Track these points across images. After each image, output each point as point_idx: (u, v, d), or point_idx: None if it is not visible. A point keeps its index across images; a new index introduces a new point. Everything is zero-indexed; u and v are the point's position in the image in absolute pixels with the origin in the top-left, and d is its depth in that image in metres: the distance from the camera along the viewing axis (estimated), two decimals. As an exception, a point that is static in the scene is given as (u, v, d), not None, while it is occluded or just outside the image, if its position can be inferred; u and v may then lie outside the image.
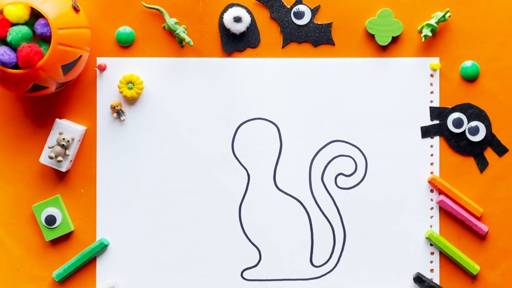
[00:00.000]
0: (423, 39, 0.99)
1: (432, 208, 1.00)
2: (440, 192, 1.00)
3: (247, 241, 1.00)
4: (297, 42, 1.00)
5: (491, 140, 1.00)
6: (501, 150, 1.01)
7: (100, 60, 1.00)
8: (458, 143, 1.00)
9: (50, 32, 0.90)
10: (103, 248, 0.99)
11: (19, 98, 1.00)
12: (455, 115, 1.00)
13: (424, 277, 0.99)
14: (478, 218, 1.00)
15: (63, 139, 0.96)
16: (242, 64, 1.00)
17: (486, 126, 1.00)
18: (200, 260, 1.00)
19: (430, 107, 1.00)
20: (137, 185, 1.00)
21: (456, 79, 1.01)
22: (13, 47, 0.90)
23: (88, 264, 1.00)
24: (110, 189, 1.00)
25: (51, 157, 0.97)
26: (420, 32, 1.00)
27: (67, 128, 0.97)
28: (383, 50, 1.01)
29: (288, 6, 1.00)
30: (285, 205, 1.00)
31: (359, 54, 1.00)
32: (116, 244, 1.00)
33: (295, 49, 1.00)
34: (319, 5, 1.00)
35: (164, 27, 1.00)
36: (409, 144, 1.00)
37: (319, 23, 1.00)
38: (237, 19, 0.99)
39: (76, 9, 0.93)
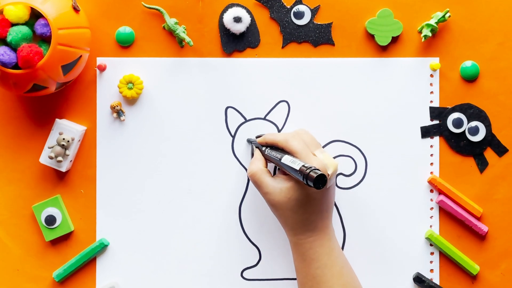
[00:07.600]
0: (423, 39, 0.99)
1: (432, 208, 1.00)
2: (440, 192, 1.00)
3: (247, 241, 1.00)
4: (297, 42, 1.00)
5: (491, 140, 1.00)
6: (501, 150, 1.01)
7: (100, 60, 1.00)
8: (458, 143, 1.00)
9: (50, 32, 0.90)
10: (103, 248, 0.99)
11: (19, 98, 1.00)
12: (455, 115, 1.00)
13: (424, 277, 0.99)
14: (478, 218, 1.00)
15: (63, 139, 0.96)
16: (242, 64, 1.00)
17: (486, 126, 1.00)
18: (200, 260, 1.00)
19: (430, 107, 1.00)
20: (137, 185, 1.00)
21: (456, 79, 1.01)
22: (13, 47, 0.90)
23: (88, 264, 1.00)
24: (110, 189, 1.00)
25: (51, 157, 0.97)
26: (420, 32, 1.00)
27: (67, 128, 0.97)
28: (383, 50, 1.01)
29: (288, 6, 1.00)
30: (285, 205, 1.00)
31: (359, 54, 1.00)
32: (116, 244, 1.00)
33: (295, 49, 1.00)
34: (319, 5, 1.00)
35: (164, 27, 1.00)
36: (409, 144, 1.00)
37: (319, 23, 1.00)
38: (237, 19, 0.99)
39: (76, 9, 0.93)
